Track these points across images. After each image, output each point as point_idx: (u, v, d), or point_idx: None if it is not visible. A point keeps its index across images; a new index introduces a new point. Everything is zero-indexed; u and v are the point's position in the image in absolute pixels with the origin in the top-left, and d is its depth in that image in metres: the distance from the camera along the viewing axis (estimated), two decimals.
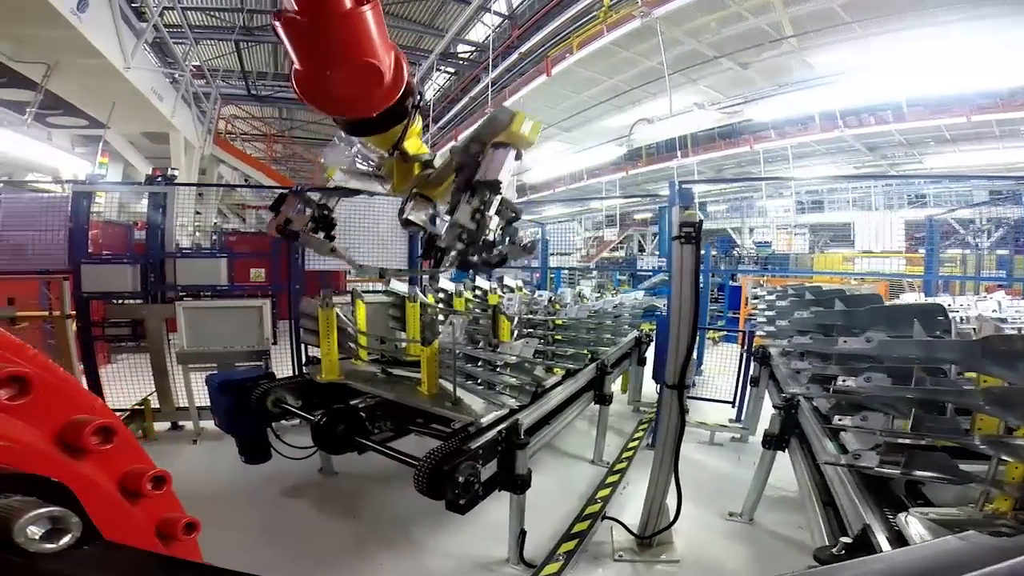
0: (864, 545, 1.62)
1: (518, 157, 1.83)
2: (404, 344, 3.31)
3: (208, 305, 4.81)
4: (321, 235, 2.28)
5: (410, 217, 2.03)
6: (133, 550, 0.53)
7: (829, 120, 14.61)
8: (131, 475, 0.70)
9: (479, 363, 2.74)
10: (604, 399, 4.52)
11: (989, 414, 1.62)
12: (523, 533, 2.84)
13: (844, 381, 1.95)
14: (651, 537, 3.02)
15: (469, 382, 2.92)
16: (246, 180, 14.45)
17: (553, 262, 8.99)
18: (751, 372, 4.84)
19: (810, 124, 14.75)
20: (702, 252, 2.71)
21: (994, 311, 3.67)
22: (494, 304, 3.31)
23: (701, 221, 2.62)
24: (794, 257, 14.77)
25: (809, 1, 9.94)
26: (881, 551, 1.55)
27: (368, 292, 3.87)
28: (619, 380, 6.17)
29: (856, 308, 2.68)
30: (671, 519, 2.93)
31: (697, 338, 3.30)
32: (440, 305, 3.85)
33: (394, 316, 3.64)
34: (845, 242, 17.72)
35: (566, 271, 13.42)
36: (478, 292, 4.04)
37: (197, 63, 13.33)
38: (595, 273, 13.35)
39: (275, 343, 4.86)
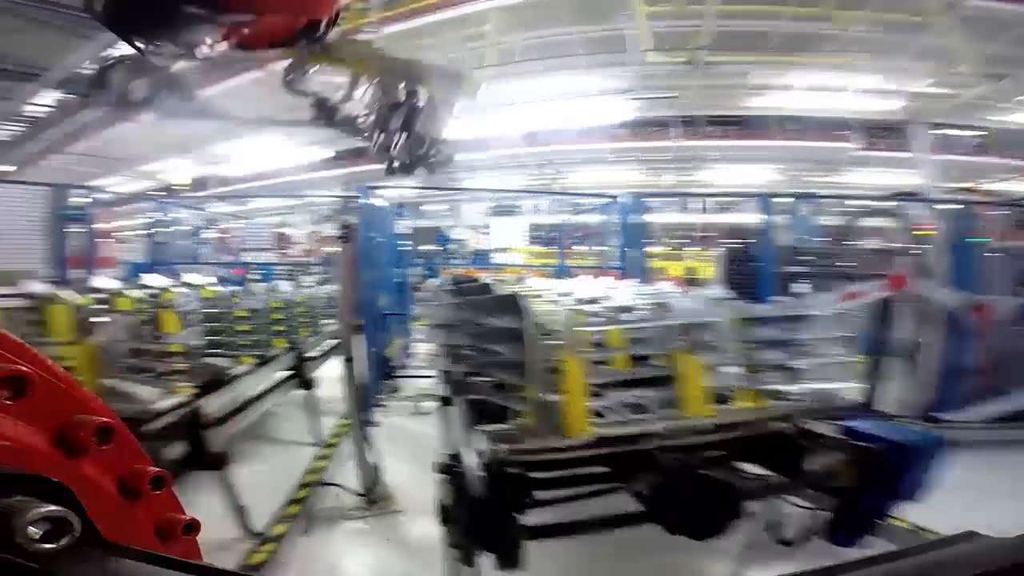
0: (457, 456, 2.16)
1: None
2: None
3: None
4: None
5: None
6: (133, 550, 0.53)
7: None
8: (131, 475, 0.71)
9: (147, 356, 2.82)
10: (306, 384, 4.91)
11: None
12: (242, 508, 3.00)
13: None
14: (369, 493, 3.47)
15: (141, 375, 2.96)
16: None
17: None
18: None
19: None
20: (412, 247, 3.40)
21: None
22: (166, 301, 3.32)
23: (353, 225, 3.34)
24: (492, 252, 17.61)
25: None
26: (465, 459, 2.07)
27: None
28: None
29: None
30: (380, 475, 3.50)
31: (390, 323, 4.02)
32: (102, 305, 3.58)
33: (33, 321, 3.22)
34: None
35: (283, 267, 12.98)
36: (150, 291, 3.87)
37: None
38: (319, 269, 13.16)
39: None
